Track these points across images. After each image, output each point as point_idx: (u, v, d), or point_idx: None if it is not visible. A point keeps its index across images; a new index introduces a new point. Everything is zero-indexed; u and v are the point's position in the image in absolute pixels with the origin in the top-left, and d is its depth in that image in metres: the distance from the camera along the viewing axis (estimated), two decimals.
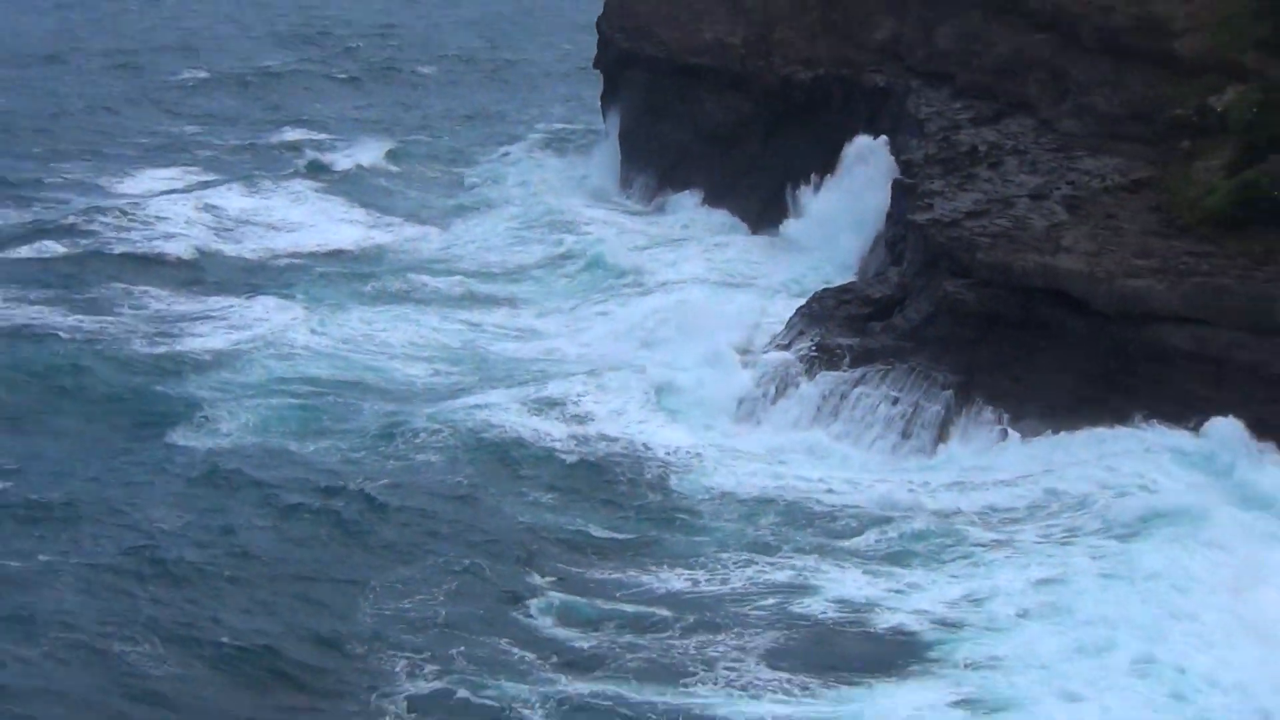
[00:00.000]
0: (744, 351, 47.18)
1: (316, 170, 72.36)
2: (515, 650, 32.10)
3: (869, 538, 37.73)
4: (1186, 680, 30.65)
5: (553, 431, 43.06)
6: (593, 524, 38.18)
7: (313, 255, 60.97)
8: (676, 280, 56.50)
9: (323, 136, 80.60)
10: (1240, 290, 40.06)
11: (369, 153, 75.19)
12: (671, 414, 44.67)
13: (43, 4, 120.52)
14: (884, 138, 56.78)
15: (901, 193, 49.28)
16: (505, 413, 43.64)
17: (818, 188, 59.50)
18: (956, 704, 30.23)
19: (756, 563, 36.48)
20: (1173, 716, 29.75)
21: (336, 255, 61.16)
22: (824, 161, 59.39)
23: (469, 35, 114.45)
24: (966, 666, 31.65)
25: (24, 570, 33.84)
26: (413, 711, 29.81)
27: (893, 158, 54.51)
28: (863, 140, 57.69)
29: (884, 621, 33.73)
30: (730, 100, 64.05)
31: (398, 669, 31.10)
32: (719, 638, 32.92)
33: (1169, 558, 35.09)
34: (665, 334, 49.98)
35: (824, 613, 34.10)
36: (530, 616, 33.56)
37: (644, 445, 42.81)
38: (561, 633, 32.96)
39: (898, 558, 36.67)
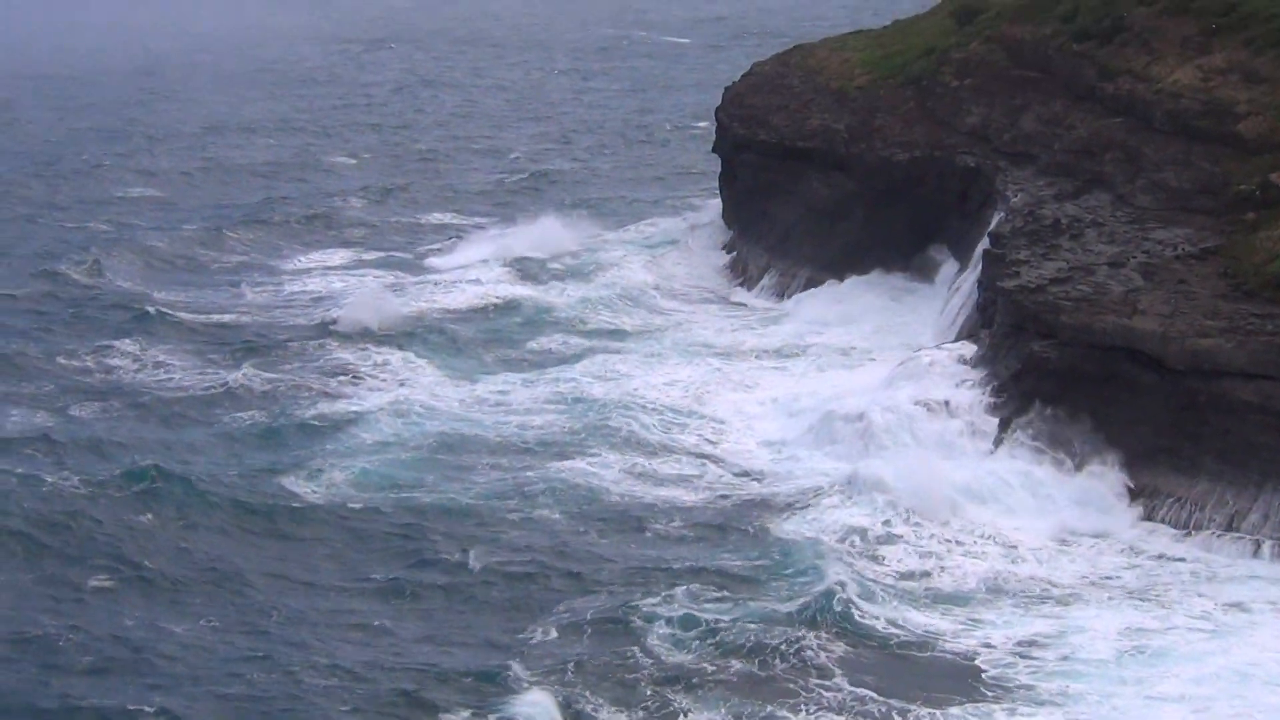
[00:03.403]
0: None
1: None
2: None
3: (961, 576, 37.84)
4: None
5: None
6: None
7: (455, 313, 61.41)
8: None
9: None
10: None
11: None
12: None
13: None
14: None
15: (991, 261, 49.25)
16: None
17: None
18: None
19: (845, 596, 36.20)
20: None
21: (481, 312, 61.63)
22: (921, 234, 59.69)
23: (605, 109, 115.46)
24: (1061, 696, 31.51)
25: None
26: None
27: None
28: None
29: (987, 657, 33.63)
30: (835, 180, 63.95)
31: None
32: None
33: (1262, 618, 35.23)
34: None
35: (925, 647, 34.05)
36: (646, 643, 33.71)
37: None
38: (671, 654, 33.13)
39: (991, 596, 36.74)
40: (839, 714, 31.10)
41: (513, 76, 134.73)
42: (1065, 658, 33.47)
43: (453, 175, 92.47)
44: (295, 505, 41.00)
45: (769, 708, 31.19)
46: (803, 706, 31.34)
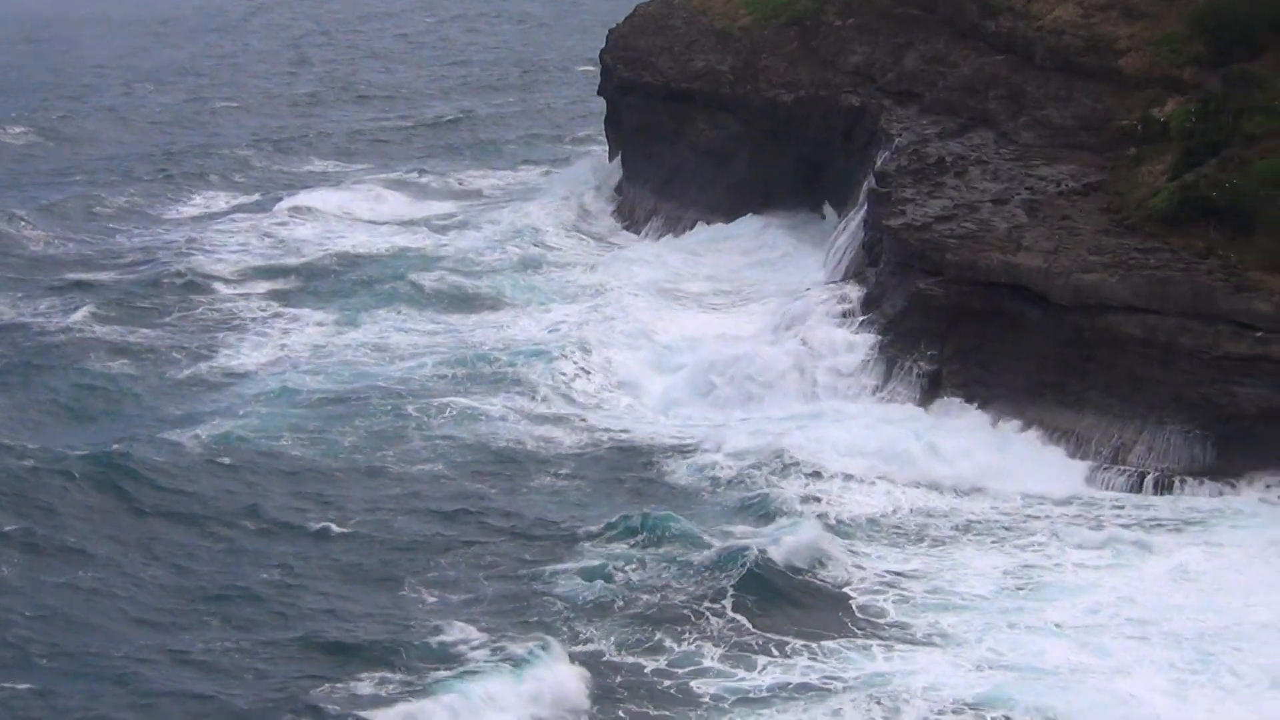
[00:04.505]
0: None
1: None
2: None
3: (845, 512, 37.16)
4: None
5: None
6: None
7: (340, 259, 59.77)
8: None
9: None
10: (1184, 281, 39.39)
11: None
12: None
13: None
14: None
15: (876, 200, 48.40)
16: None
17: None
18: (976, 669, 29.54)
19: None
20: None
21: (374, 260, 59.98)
22: (807, 175, 58.81)
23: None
24: (939, 636, 30.90)
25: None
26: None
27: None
28: None
29: (860, 587, 33.02)
30: (720, 121, 62.98)
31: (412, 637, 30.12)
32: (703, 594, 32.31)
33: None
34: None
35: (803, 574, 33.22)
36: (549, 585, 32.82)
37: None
38: (577, 591, 32.39)
39: (874, 533, 36.13)
40: (717, 645, 30.43)
41: (405, 22, 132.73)
42: (937, 590, 32.80)
43: (343, 121, 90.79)
44: (174, 465, 38.54)
45: (657, 635, 30.62)
46: (686, 635, 30.73)
